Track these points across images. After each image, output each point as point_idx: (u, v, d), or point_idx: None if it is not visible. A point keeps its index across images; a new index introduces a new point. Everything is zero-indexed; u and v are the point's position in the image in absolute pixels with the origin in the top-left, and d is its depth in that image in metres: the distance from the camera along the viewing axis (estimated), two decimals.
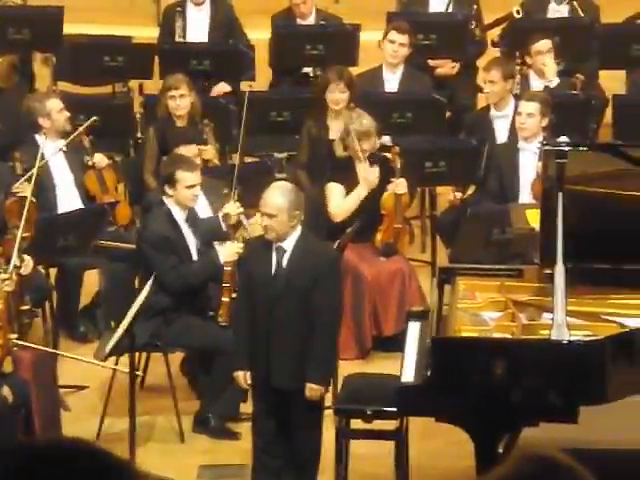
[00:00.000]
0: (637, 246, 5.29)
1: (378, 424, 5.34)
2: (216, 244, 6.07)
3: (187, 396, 6.15)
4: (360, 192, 6.58)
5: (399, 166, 6.65)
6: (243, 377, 5.33)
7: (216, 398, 5.94)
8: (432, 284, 5.68)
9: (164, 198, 6.08)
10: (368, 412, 5.25)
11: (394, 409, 5.12)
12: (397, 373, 5.16)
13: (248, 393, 5.98)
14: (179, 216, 6.06)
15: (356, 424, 5.38)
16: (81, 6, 9.52)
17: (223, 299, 6.01)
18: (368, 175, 6.56)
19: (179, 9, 8.22)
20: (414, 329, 5.41)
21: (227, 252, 6.01)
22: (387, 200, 6.65)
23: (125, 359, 5.77)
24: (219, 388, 5.92)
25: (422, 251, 7.45)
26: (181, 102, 7.12)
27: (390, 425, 5.34)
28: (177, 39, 8.14)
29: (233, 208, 6.19)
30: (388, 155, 6.74)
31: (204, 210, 6.39)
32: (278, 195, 5.27)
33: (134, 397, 5.63)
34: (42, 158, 6.72)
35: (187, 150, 6.45)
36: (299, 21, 8.27)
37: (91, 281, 6.60)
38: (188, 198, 6.04)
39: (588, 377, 4.90)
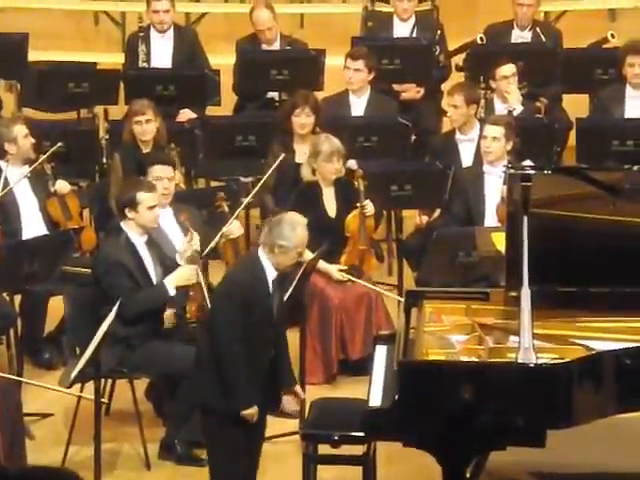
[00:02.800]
0: (602, 268, 5.33)
1: (345, 449, 5.32)
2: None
3: (153, 422, 6.11)
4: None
5: (362, 189, 6.67)
6: (254, 412, 5.23)
7: (182, 424, 5.90)
8: (399, 307, 5.68)
9: (122, 223, 6.06)
10: (335, 437, 5.24)
11: (361, 434, 5.12)
12: (364, 397, 5.15)
13: None
14: (138, 241, 6.04)
15: (323, 449, 5.36)
16: (46, 33, 9.52)
17: (190, 293, 5.97)
18: (333, 272, 6.54)
19: (142, 34, 8.23)
20: (381, 353, 5.41)
21: (178, 277, 5.97)
22: (351, 222, 6.67)
23: (90, 386, 5.72)
24: (185, 414, 5.89)
25: (389, 274, 7.47)
26: (147, 127, 7.13)
27: (357, 450, 5.32)
28: (140, 64, 8.14)
29: (191, 245, 6.15)
30: (353, 180, 6.78)
31: (175, 233, 6.37)
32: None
33: (99, 424, 5.60)
34: (6, 184, 6.69)
35: (163, 170, 6.44)
36: (264, 46, 8.30)
37: (56, 307, 6.56)
38: (150, 219, 6.02)
39: (555, 400, 4.92)
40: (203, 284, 6.02)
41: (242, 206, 6.69)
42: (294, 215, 5.36)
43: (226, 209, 6.59)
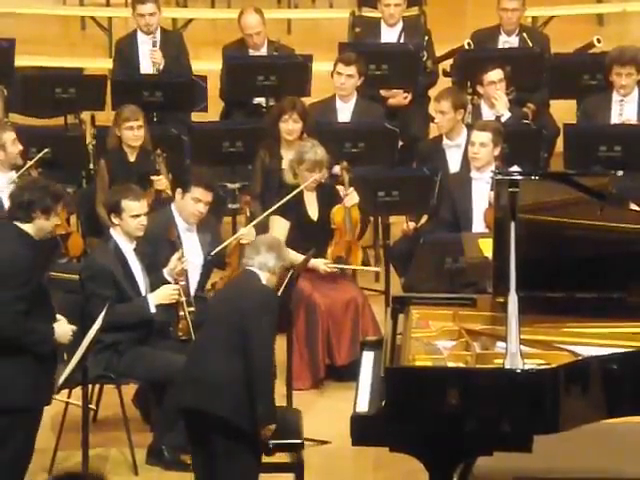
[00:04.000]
0: (589, 274, 5.33)
1: (281, 457, 5.34)
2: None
3: (140, 428, 6.10)
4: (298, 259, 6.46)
5: (347, 179, 6.64)
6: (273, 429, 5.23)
7: (169, 429, 5.90)
8: (386, 313, 5.69)
9: (112, 229, 6.06)
10: (270, 445, 5.24)
11: (298, 441, 5.18)
12: (351, 402, 5.15)
13: None
14: (126, 247, 6.02)
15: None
16: (32, 38, 9.52)
17: (180, 313, 5.97)
18: (320, 266, 6.54)
19: (130, 40, 8.23)
20: (368, 359, 5.41)
21: (160, 296, 5.97)
22: (337, 214, 6.68)
23: (78, 392, 5.71)
24: (172, 419, 5.88)
25: (376, 280, 7.47)
26: (138, 133, 7.15)
27: (289, 458, 5.33)
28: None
29: (180, 262, 6.13)
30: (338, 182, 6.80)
31: (198, 255, 6.39)
32: None
33: (87, 430, 5.59)
34: None
35: (204, 194, 6.37)
36: (251, 52, 8.30)
37: None
38: (134, 227, 6.01)
39: (542, 406, 4.92)
40: (184, 303, 6.00)
41: (263, 215, 6.64)
42: (273, 239, 5.47)
43: (248, 213, 6.63)
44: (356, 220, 6.73)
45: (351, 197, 6.68)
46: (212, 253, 6.34)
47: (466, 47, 8.24)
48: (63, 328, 5.23)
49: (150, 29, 8.17)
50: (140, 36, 8.25)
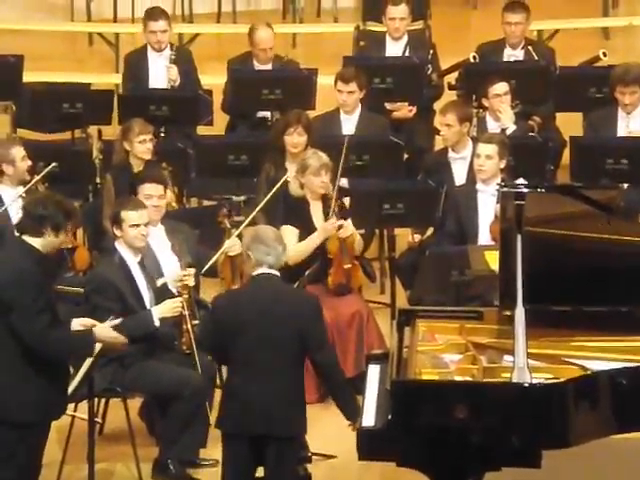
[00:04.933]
0: (597, 287, 5.31)
1: None
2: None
3: (146, 442, 6.09)
4: (315, 239, 6.56)
5: (336, 210, 6.61)
6: None
7: (175, 443, 5.88)
8: (392, 326, 5.66)
9: (116, 243, 6.06)
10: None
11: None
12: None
13: (207, 439, 5.93)
14: (131, 260, 6.02)
15: None
16: (40, 54, 9.56)
17: (184, 327, 5.97)
18: (327, 227, 6.55)
19: (140, 56, 8.26)
20: (374, 372, 5.39)
21: (164, 309, 5.94)
22: (332, 244, 6.63)
23: (84, 405, 5.70)
24: (177, 433, 5.87)
25: (381, 293, 7.45)
26: (150, 146, 7.18)
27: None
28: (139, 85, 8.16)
29: (185, 278, 6.11)
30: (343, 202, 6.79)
31: (166, 254, 6.35)
32: None
33: (93, 444, 5.58)
34: (0, 204, 6.68)
35: (152, 188, 6.42)
36: (256, 65, 8.31)
37: None
38: (134, 237, 6.00)
39: (550, 420, 4.89)
40: (187, 317, 5.98)
41: (244, 224, 6.66)
42: (275, 231, 5.38)
43: (228, 225, 6.59)
44: (351, 243, 6.67)
45: (345, 229, 6.60)
46: (202, 271, 6.30)
47: (471, 60, 8.25)
48: (101, 327, 5.17)
49: (161, 46, 8.21)
50: (150, 52, 8.28)
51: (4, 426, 5.04)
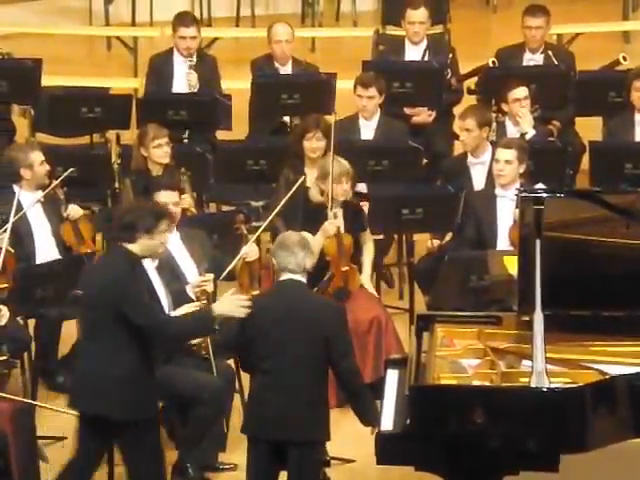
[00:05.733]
0: (615, 292, 5.30)
1: None
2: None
3: (165, 446, 6.07)
4: (317, 240, 6.52)
5: (335, 210, 6.57)
6: None
7: (194, 447, 5.89)
8: (410, 331, 5.67)
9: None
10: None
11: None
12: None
13: (226, 443, 5.94)
14: (148, 265, 6.01)
15: None
16: (59, 58, 9.59)
17: None
18: (326, 227, 6.53)
19: (165, 59, 8.27)
20: (393, 377, 5.39)
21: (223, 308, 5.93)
22: (329, 246, 6.60)
23: None
24: (197, 437, 5.87)
25: (400, 298, 7.45)
26: (167, 150, 7.19)
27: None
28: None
29: (205, 284, 6.12)
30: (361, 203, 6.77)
31: (185, 260, 6.37)
32: None
33: (113, 447, 5.58)
34: (19, 208, 6.70)
35: (167, 195, 6.45)
36: (277, 66, 8.30)
37: (70, 331, 6.56)
38: (155, 245, 5.99)
39: (568, 425, 4.89)
40: None
41: (261, 229, 6.68)
42: (300, 237, 5.41)
43: (244, 231, 6.59)
44: (348, 246, 6.63)
45: (329, 227, 6.53)
46: (220, 278, 6.30)
47: (490, 65, 8.23)
48: (219, 302, 5.38)
49: (190, 52, 8.21)
50: (176, 56, 8.30)
51: (148, 423, 5.25)
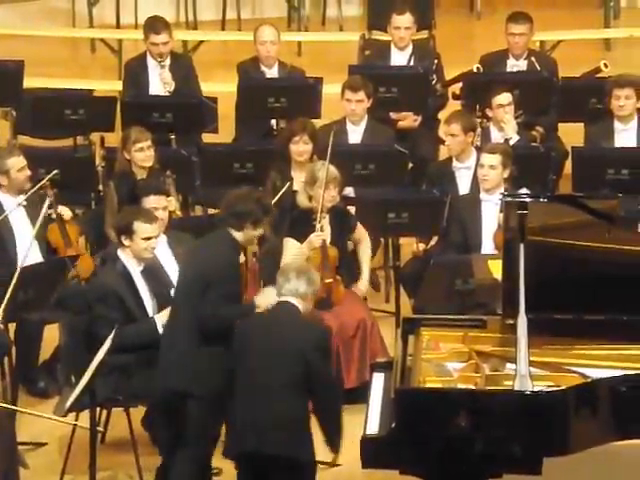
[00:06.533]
0: (598, 296, 5.33)
1: None
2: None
3: (149, 451, 6.08)
4: (303, 249, 6.53)
5: (322, 222, 6.59)
6: None
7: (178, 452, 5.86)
8: (396, 335, 5.68)
9: (119, 251, 6.05)
10: None
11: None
12: (361, 425, 5.14)
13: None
14: (134, 269, 6.02)
15: None
16: (42, 60, 9.57)
17: None
18: (312, 239, 6.53)
19: (140, 63, 8.27)
20: (378, 381, 5.40)
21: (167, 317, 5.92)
22: (314, 258, 6.56)
23: (86, 415, 5.69)
24: (181, 442, 5.85)
25: (386, 301, 7.46)
26: (149, 153, 7.16)
27: None
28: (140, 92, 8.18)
29: None
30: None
31: (170, 264, 6.36)
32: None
33: (95, 453, 5.57)
34: (1, 212, 6.68)
35: (156, 200, 6.43)
36: (264, 71, 8.30)
37: (51, 335, 6.54)
38: (144, 250, 6.00)
39: (551, 428, 4.92)
40: None
41: None
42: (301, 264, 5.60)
43: None
44: (333, 258, 6.61)
45: (317, 236, 6.53)
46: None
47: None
48: (261, 296, 5.55)
49: (162, 57, 8.20)
50: (150, 60, 8.28)
51: (198, 400, 5.33)
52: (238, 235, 5.48)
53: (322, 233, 6.58)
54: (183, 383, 5.46)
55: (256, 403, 5.20)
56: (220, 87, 8.58)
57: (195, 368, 5.43)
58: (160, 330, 5.90)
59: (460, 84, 8.31)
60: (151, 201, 6.42)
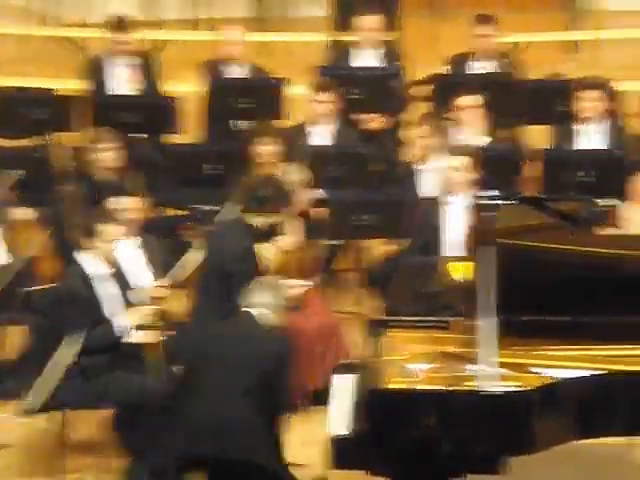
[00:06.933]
0: (562, 297, 5.36)
1: None
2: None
3: (116, 453, 6.05)
4: (272, 251, 6.50)
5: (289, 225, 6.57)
6: None
7: (145, 453, 5.84)
8: (363, 336, 5.68)
9: (83, 252, 6.02)
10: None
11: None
12: (325, 427, 5.13)
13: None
14: (99, 271, 5.98)
15: None
16: (3, 58, 9.50)
17: (154, 337, 5.91)
18: (280, 240, 6.54)
19: (102, 61, 8.22)
20: (344, 382, 5.40)
21: (133, 320, 5.91)
22: (282, 260, 6.49)
23: (52, 417, 5.65)
24: (147, 443, 5.83)
25: (354, 303, 7.46)
26: (111, 155, 7.13)
27: None
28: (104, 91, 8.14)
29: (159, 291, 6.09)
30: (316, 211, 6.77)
31: (140, 265, 6.32)
32: None
33: (62, 456, 5.52)
34: None
35: (125, 202, 6.39)
36: (228, 71, 8.28)
37: (15, 336, 6.48)
38: (107, 251, 5.97)
39: (515, 428, 4.94)
40: (157, 327, 5.92)
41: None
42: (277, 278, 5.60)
43: (190, 238, 6.56)
44: (302, 260, 6.56)
45: (286, 238, 6.46)
46: (172, 284, 6.26)
47: (444, 72, 8.28)
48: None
49: (126, 55, 8.15)
50: (113, 58, 8.25)
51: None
52: (255, 220, 5.51)
53: (290, 236, 6.56)
54: None
55: (213, 409, 5.19)
56: (184, 87, 8.56)
57: None
58: (125, 333, 5.87)
59: (428, 86, 8.32)
60: (120, 203, 6.39)
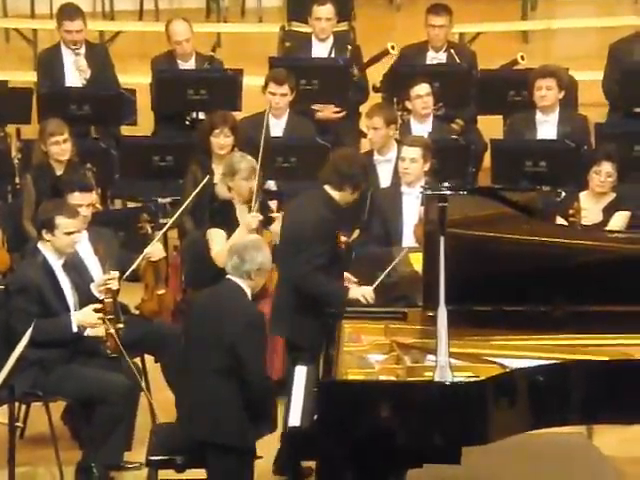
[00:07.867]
0: (516, 288, 5.39)
1: (191, 473, 5.34)
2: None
3: (69, 446, 6.04)
4: (239, 235, 6.54)
5: (257, 205, 6.54)
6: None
7: (99, 447, 5.83)
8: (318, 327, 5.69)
9: (40, 244, 5.97)
10: (178, 462, 5.30)
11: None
12: (283, 417, 5.14)
13: (132, 442, 5.90)
14: (55, 263, 5.95)
15: (168, 474, 5.37)
16: None
17: (108, 331, 5.86)
18: (249, 220, 6.54)
19: (54, 53, 8.17)
20: (301, 373, 5.42)
21: (82, 318, 5.86)
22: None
23: (4, 409, 5.62)
24: (101, 437, 5.82)
25: None
26: (65, 147, 7.08)
27: (202, 474, 5.32)
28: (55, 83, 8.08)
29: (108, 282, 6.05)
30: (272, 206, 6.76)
31: (91, 258, 6.29)
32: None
33: (14, 448, 5.50)
34: None
35: (81, 197, 6.35)
36: (180, 63, 8.26)
37: None
38: (66, 244, 5.94)
39: (470, 418, 4.96)
40: (110, 321, 5.88)
41: (165, 228, 6.63)
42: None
43: (149, 230, 6.54)
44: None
45: (254, 217, 6.49)
46: (124, 277, 6.24)
47: (390, 50, 8.30)
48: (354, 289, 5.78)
49: (77, 45, 8.11)
50: (64, 49, 8.19)
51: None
52: (336, 194, 5.59)
53: (257, 214, 6.55)
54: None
55: (188, 386, 5.21)
56: (138, 78, 8.51)
57: (299, 325, 5.58)
58: (75, 329, 5.82)
59: (380, 77, 8.33)
60: (76, 197, 6.35)
